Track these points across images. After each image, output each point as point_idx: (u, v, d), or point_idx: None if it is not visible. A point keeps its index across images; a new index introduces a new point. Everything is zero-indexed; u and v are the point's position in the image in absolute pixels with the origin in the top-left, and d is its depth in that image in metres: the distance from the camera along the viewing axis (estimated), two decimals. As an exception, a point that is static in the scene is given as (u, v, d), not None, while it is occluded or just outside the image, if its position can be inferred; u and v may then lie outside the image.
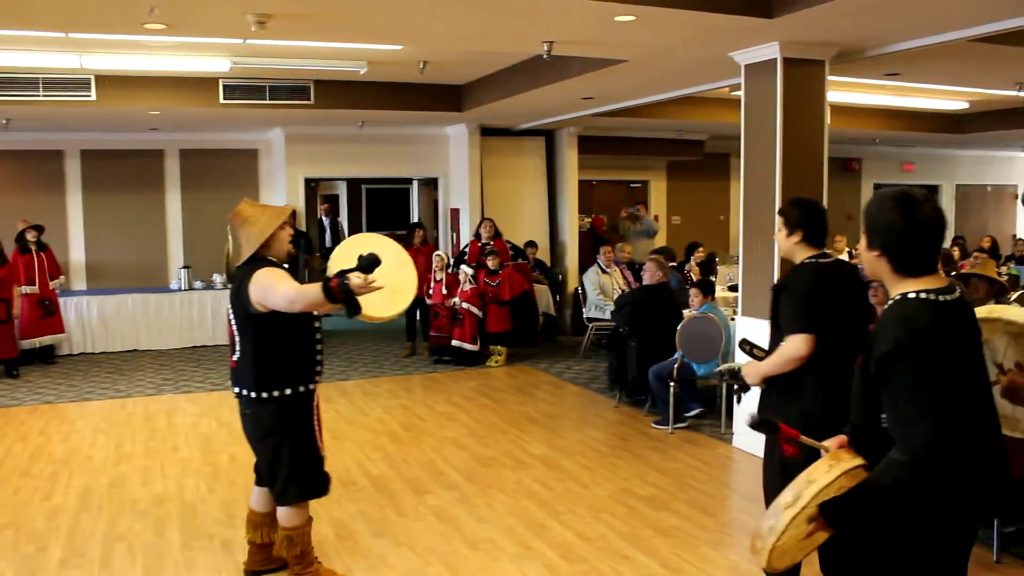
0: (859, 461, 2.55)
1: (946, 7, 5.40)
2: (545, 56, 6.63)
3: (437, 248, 11.98)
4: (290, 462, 4.07)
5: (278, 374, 3.99)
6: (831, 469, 2.53)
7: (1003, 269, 11.78)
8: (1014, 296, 8.28)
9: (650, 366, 7.55)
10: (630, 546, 4.92)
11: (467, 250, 11.19)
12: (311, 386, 4.13)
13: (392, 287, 3.94)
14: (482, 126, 12.22)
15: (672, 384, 7.24)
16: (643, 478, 6.13)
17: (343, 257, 4.05)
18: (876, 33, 6.15)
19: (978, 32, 5.90)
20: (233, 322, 4.07)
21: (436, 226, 13.62)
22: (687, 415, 7.51)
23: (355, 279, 3.63)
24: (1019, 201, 18.17)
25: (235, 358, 4.09)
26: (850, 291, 3.89)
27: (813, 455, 2.82)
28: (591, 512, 5.46)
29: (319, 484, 4.25)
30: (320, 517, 5.28)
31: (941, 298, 2.51)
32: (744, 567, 4.62)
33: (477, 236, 11.20)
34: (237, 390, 4.10)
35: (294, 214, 4.59)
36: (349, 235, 15.90)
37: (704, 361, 7.35)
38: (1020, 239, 16.01)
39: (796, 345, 3.74)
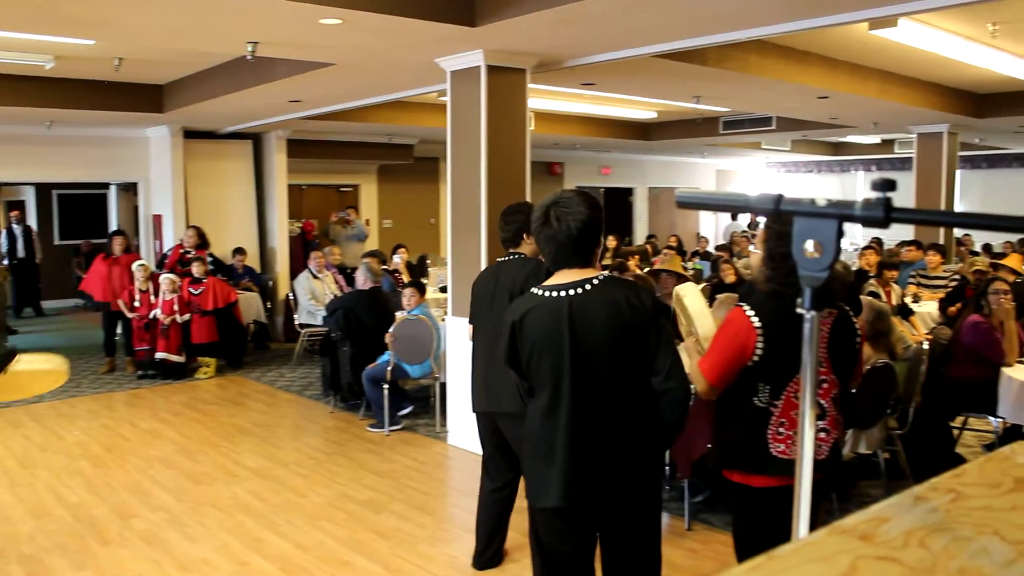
0: None
1: (631, 26, 5.84)
2: (249, 57, 6.46)
3: (140, 257, 11.29)
4: None
5: None
6: None
7: (689, 264, 12.93)
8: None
9: (364, 369, 7.57)
10: (350, 551, 4.92)
11: (167, 257, 10.67)
12: None
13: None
14: (185, 128, 11.64)
15: (385, 386, 7.30)
16: (361, 482, 6.15)
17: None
18: (571, 46, 6.53)
19: (660, 49, 6.46)
20: None
21: (137, 234, 12.84)
22: (400, 414, 7.60)
23: None
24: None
25: None
26: (490, 282, 4.34)
27: None
28: (309, 521, 5.40)
29: None
30: (8, 556, 4.84)
31: (547, 293, 2.90)
32: (462, 560, 4.76)
33: (180, 244, 10.69)
34: None
35: None
36: (40, 241, 14.74)
37: (417, 362, 7.46)
38: (703, 237, 17.66)
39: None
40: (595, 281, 2.88)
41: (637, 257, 10.20)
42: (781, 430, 3.08)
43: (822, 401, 3.14)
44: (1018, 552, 0.84)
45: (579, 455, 2.87)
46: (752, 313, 3.08)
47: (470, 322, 4.51)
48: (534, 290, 2.94)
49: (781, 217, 1.17)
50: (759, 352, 3.05)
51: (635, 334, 2.87)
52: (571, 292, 2.85)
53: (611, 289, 2.89)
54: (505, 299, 4.08)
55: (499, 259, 4.44)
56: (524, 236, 4.29)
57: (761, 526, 3.20)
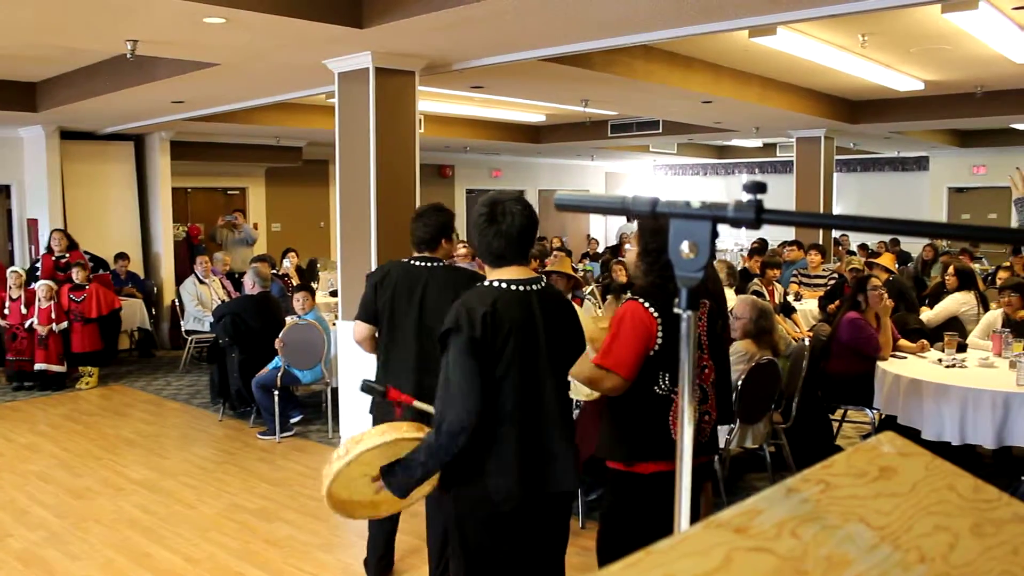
0: (418, 434, 2.79)
1: (518, 29, 5.89)
2: (129, 56, 6.27)
3: (11, 263, 10.82)
4: None
5: None
6: (383, 435, 2.79)
7: (579, 265, 13.10)
8: (588, 289, 9.23)
9: (253, 376, 7.42)
10: (242, 562, 4.81)
11: (39, 265, 10.25)
12: None
13: None
14: (62, 129, 11.18)
15: (276, 392, 7.18)
16: (252, 491, 6.02)
17: None
18: (460, 49, 6.54)
19: (547, 53, 6.53)
20: None
21: (11, 239, 12.27)
22: (291, 421, 7.48)
23: None
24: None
25: None
26: (411, 286, 4.05)
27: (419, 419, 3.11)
28: (199, 532, 5.26)
29: None
30: None
31: (509, 286, 2.81)
32: (355, 567, 4.72)
33: (49, 250, 10.29)
34: None
35: None
36: None
37: (308, 368, 7.35)
38: (593, 238, 17.92)
39: (353, 329, 4.19)
40: (544, 280, 2.94)
41: (536, 262, 10.21)
42: None
43: (704, 386, 3.27)
44: (881, 537, 0.89)
45: (569, 442, 2.88)
46: (648, 304, 3.18)
47: (368, 322, 4.14)
48: (490, 283, 2.85)
49: (657, 219, 1.20)
50: (660, 339, 3.16)
51: (575, 330, 2.98)
52: (533, 287, 2.85)
53: (554, 288, 3.03)
54: (444, 308, 3.93)
55: (414, 261, 4.07)
56: (443, 241, 4.04)
57: (643, 514, 3.28)
